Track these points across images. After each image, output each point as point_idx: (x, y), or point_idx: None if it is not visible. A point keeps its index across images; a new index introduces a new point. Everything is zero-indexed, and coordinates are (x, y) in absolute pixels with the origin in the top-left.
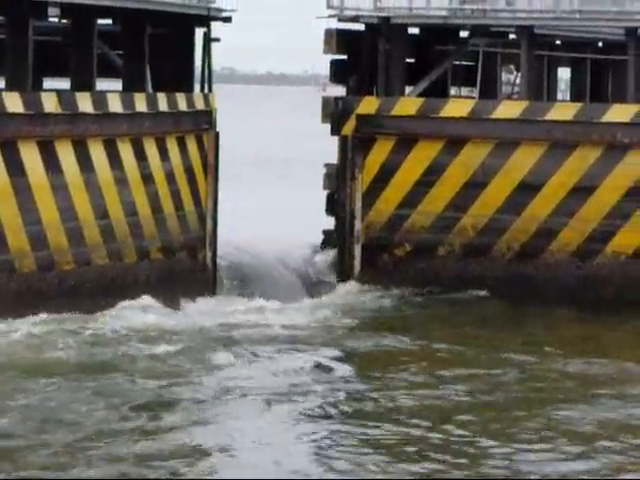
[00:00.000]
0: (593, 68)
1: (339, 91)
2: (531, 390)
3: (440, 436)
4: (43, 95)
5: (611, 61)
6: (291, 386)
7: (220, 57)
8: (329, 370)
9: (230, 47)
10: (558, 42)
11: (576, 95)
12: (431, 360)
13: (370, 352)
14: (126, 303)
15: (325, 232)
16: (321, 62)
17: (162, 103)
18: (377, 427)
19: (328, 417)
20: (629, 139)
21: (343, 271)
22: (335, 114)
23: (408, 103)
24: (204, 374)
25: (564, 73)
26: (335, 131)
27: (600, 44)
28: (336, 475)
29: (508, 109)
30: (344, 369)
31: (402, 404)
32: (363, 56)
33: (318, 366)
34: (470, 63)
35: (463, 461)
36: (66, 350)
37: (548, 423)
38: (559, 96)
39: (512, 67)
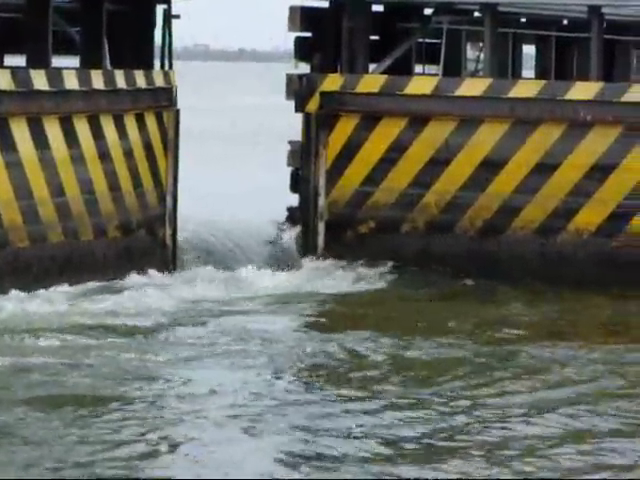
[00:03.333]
0: (558, 46)
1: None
2: None
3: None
4: None
5: (576, 39)
6: None
7: (193, 34)
8: None
9: (203, 24)
10: (523, 20)
11: (541, 73)
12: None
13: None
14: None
15: (289, 209)
16: (292, 39)
17: (120, 80)
18: None
19: None
20: (592, 116)
21: (307, 248)
22: (299, 91)
23: (372, 80)
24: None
25: (530, 51)
26: (299, 108)
27: (565, 22)
28: None
29: (471, 86)
30: None
31: None
32: (327, 33)
33: None
34: (434, 41)
35: None
36: None
37: None
38: (528, 73)
39: (479, 44)
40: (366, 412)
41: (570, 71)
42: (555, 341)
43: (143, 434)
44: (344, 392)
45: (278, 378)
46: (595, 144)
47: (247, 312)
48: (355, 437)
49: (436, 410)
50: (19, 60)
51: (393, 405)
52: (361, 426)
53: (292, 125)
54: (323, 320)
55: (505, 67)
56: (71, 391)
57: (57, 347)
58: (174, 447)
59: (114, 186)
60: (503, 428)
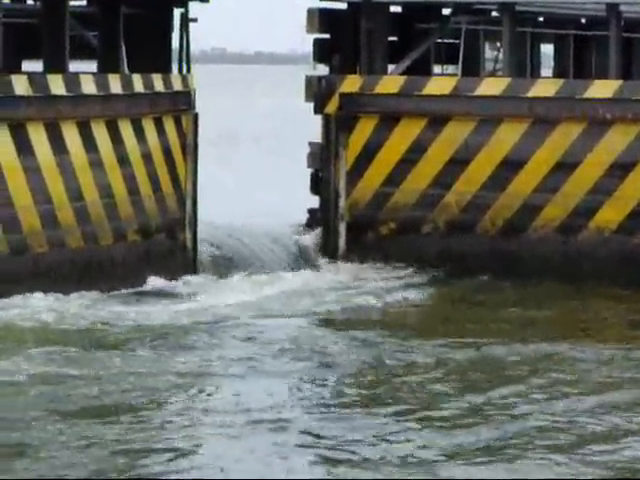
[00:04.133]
0: (576, 44)
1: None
2: None
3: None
4: (13, 77)
5: (594, 37)
6: None
7: (211, 38)
8: None
9: (221, 28)
10: (541, 19)
11: (560, 72)
12: None
13: None
14: None
15: (310, 211)
16: (310, 41)
17: (138, 84)
18: None
19: None
20: (611, 115)
21: (328, 249)
22: (318, 93)
23: (390, 81)
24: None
25: (548, 50)
26: (318, 110)
27: (583, 20)
28: None
29: (490, 86)
30: None
31: None
32: (345, 35)
33: None
34: (453, 41)
35: None
36: None
37: None
38: (546, 72)
39: (498, 44)
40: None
41: (589, 69)
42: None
43: None
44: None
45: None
46: (615, 142)
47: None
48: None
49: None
50: (37, 65)
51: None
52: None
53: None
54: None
55: (524, 66)
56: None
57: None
58: None
59: (133, 190)
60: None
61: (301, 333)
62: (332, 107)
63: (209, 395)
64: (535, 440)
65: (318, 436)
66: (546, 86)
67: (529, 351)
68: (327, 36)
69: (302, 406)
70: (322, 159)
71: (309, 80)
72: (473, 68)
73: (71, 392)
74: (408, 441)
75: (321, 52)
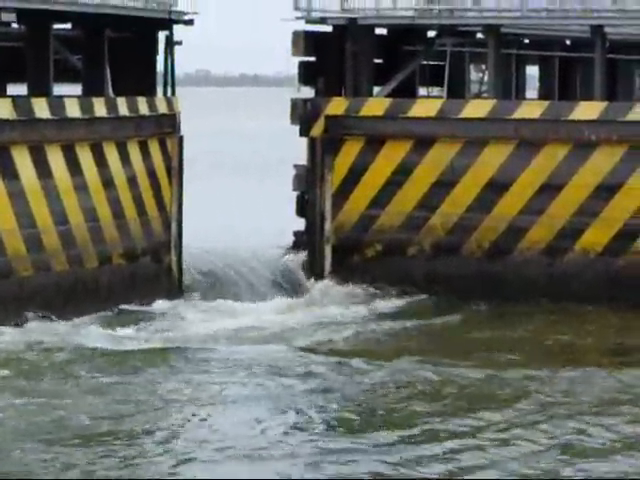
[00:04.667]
0: (561, 66)
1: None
2: None
3: None
4: None
5: (579, 59)
6: None
7: (194, 60)
8: None
9: (205, 49)
10: (526, 41)
11: (545, 93)
12: None
13: None
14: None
15: (296, 233)
16: (295, 63)
17: (122, 107)
18: None
19: None
20: (596, 136)
21: (314, 272)
22: (304, 115)
23: (376, 104)
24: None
25: (534, 71)
26: (304, 132)
27: (568, 42)
28: None
29: (476, 108)
30: None
31: None
32: (331, 57)
33: None
34: (438, 63)
35: None
36: None
37: None
38: (531, 94)
39: (483, 66)
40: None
41: (574, 91)
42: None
43: None
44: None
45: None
46: (600, 164)
47: None
48: None
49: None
50: (22, 89)
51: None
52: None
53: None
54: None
55: (509, 88)
56: None
57: None
58: None
59: (118, 213)
60: None
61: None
62: (318, 130)
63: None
64: None
65: None
66: (531, 108)
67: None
68: (312, 59)
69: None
70: (308, 181)
71: (295, 103)
72: (458, 90)
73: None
74: None
75: (306, 74)
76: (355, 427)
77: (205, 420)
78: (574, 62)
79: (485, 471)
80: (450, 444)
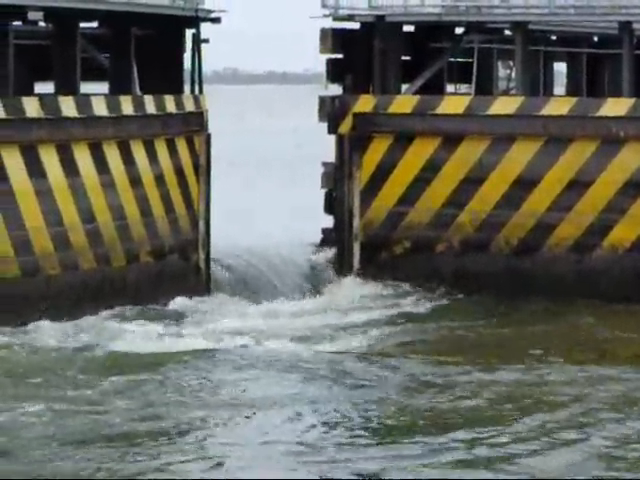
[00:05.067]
0: (589, 63)
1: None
2: None
3: None
4: (25, 100)
5: (607, 55)
6: None
7: (223, 57)
8: None
9: (232, 47)
10: (554, 37)
11: (572, 90)
12: None
13: None
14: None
15: (324, 230)
16: (323, 61)
17: (149, 105)
18: None
19: None
20: (624, 133)
21: (343, 269)
22: (332, 113)
23: (404, 101)
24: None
25: (561, 68)
26: (332, 130)
27: (595, 38)
28: None
29: (504, 105)
30: None
31: None
32: (359, 55)
33: None
34: (466, 60)
35: None
36: None
37: None
38: (559, 90)
39: (510, 63)
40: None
41: (601, 87)
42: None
43: None
44: None
45: None
46: (628, 160)
47: None
48: None
49: None
50: (49, 87)
51: None
52: None
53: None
54: None
55: (537, 85)
56: None
57: None
58: None
59: (146, 211)
60: None
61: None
62: (346, 127)
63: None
64: None
65: None
66: (559, 104)
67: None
68: (340, 56)
69: None
70: (336, 179)
71: (322, 100)
72: (486, 87)
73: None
74: None
75: (334, 72)
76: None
77: (249, 418)
78: (602, 58)
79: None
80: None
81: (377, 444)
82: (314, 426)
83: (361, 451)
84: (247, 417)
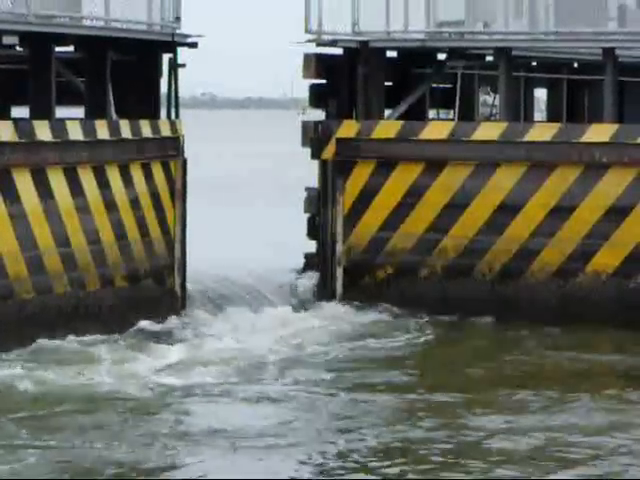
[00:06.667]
0: (569, 88)
1: (319, 115)
2: None
3: None
4: None
5: (586, 81)
6: None
7: (200, 83)
8: None
9: (210, 72)
10: (534, 63)
11: (553, 116)
12: None
13: None
14: None
15: (306, 255)
16: (300, 86)
17: (125, 130)
18: None
19: None
20: (608, 159)
21: (326, 294)
22: (315, 138)
23: (387, 126)
24: None
25: (541, 94)
26: (315, 155)
27: (575, 65)
28: None
29: (487, 131)
30: None
31: None
32: (342, 80)
33: None
34: (447, 85)
35: None
36: None
37: None
38: (538, 117)
39: (488, 89)
40: None
41: (582, 113)
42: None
43: None
44: None
45: None
46: (611, 186)
47: None
48: None
49: None
50: (26, 111)
51: None
52: None
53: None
54: None
55: (518, 111)
56: None
57: None
58: None
59: (121, 235)
60: None
61: None
62: (329, 152)
63: None
64: None
65: None
66: (543, 130)
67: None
68: (323, 81)
69: None
70: (319, 204)
71: (306, 125)
72: (468, 112)
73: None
74: None
75: (317, 97)
76: None
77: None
78: (581, 85)
79: None
80: None
81: None
82: None
83: None
84: None
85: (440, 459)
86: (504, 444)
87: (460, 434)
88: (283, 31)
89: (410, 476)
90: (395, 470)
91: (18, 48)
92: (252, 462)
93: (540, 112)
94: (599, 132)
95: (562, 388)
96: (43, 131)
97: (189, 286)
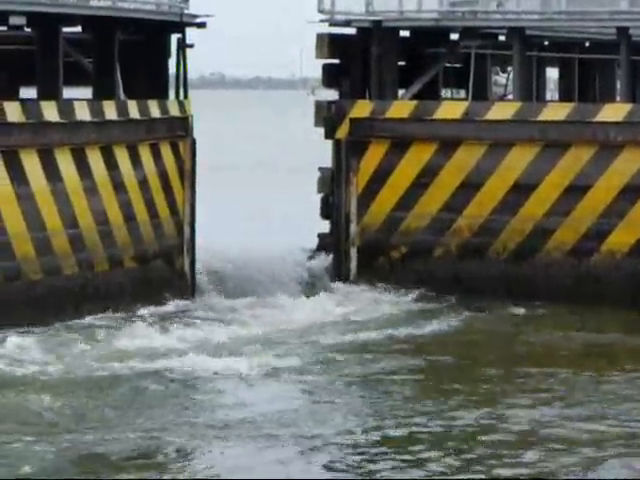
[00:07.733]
0: (580, 68)
1: (328, 95)
2: None
3: None
4: (6, 104)
5: (597, 61)
6: None
7: (208, 62)
8: None
9: (219, 52)
10: (546, 43)
11: (565, 95)
12: None
13: None
14: None
15: (320, 235)
16: (309, 66)
17: (133, 110)
18: None
19: None
20: (622, 138)
21: (339, 274)
22: (328, 118)
23: (401, 106)
24: None
25: (552, 73)
26: (329, 135)
27: (587, 44)
28: None
29: (501, 110)
30: None
31: None
32: (355, 60)
33: None
34: (461, 65)
35: None
36: None
37: None
38: (548, 96)
39: (498, 69)
40: None
41: (593, 92)
42: None
43: None
44: None
45: None
46: (626, 165)
47: None
48: None
49: None
50: (33, 92)
51: None
52: None
53: None
54: None
55: (530, 90)
56: None
57: None
58: None
59: (129, 216)
60: None
61: None
62: (342, 132)
63: None
64: None
65: None
66: (557, 110)
67: None
68: (336, 61)
69: None
70: (333, 184)
71: (319, 105)
72: (482, 92)
73: None
74: None
75: (330, 77)
76: None
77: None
78: (592, 64)
79: None
80: None
81: None
82: None
83: None
84: None
85: None
86: None
87: None
88: (293, 11)
89: None
90: None
91: (26, 29)
92: None
93: (549, 91)
94: (613, 111)
95: None
96: (51, 112)
97: (200, 268)
